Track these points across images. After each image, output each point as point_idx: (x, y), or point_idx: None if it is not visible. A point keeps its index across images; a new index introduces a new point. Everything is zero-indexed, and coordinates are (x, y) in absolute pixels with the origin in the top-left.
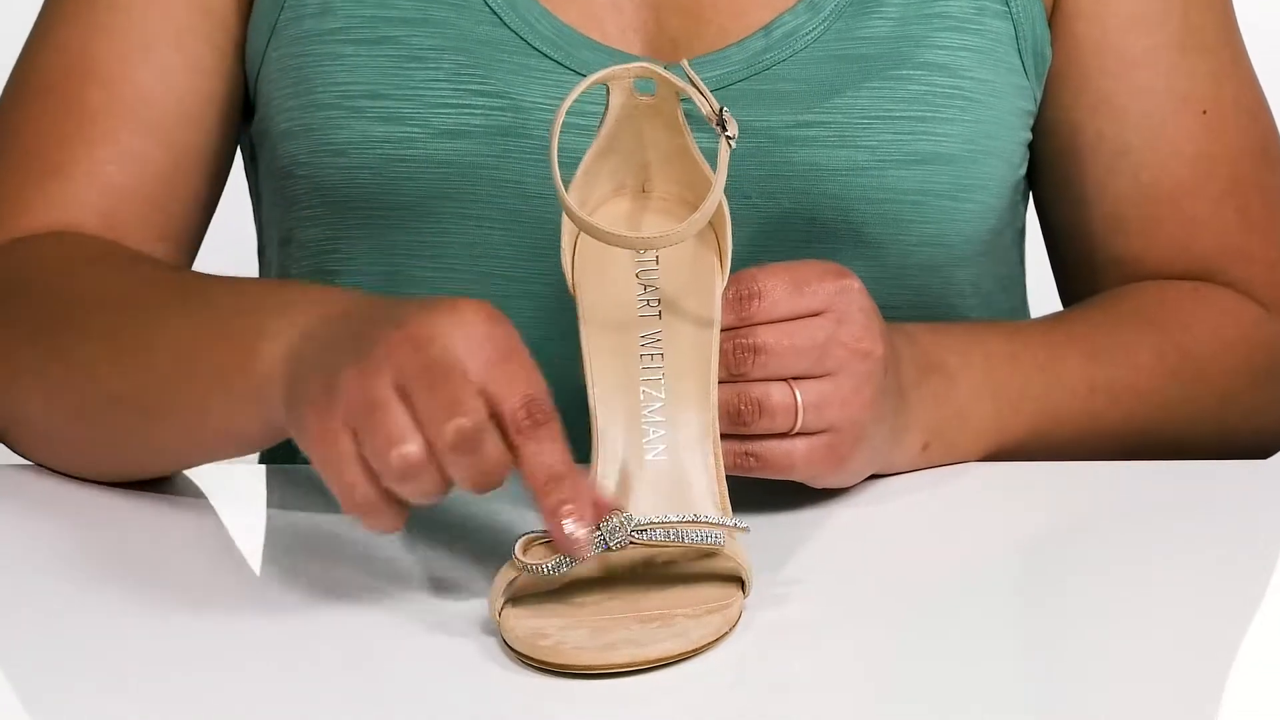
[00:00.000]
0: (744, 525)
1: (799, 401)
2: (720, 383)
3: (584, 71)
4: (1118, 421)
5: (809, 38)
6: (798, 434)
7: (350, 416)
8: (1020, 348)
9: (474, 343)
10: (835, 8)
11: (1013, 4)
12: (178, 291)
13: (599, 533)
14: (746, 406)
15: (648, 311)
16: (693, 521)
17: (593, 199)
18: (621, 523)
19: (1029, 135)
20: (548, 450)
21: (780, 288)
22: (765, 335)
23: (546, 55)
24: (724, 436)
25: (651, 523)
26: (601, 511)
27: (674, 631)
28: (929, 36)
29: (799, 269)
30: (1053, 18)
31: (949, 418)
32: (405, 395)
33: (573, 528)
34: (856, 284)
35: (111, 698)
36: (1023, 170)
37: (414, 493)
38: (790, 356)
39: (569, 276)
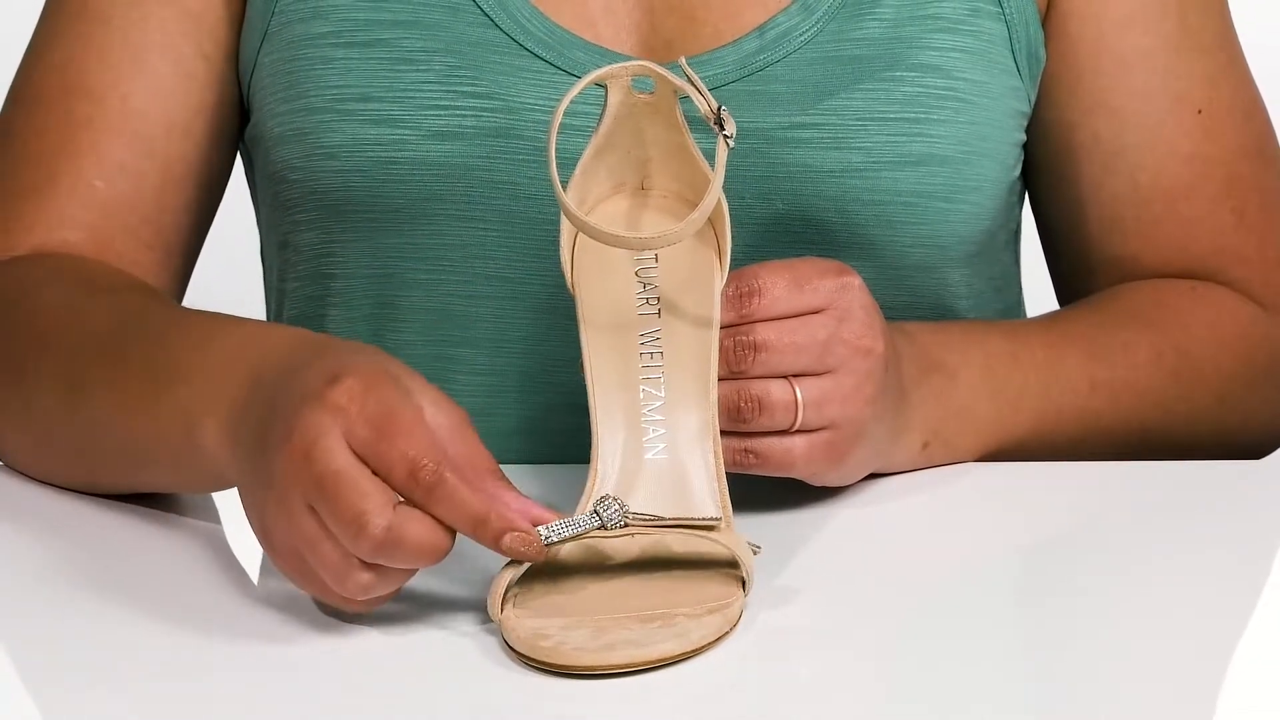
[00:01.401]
0: (757, 546)
1: (799, 398)
2: (720, 380)
3: (577, 73)
4: (1117, 420)
5: (802, 39)
6: (797, 431)
7: (297, 550)
8: (1020, 346)
9: (352, 428)
10: (829, 9)
11: (1006, 5)
12: (121, 349)
13: (594, 514)
14: (746, 403)
15: (647, 310)
16: (694, 523)
17: (591, 197)
18: (619, 505)
19: (1023, 136)
20: (455, 506)
21: (781, 285)
22: (765, 332)
23: (539, 56)
24: (723, 433)
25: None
26: (529, 515)
27: (674, 632)
28: (922, 38)
29: (799, 266)
30: (1047, 18)
31: (949, 417)
32: (319, 518)
33: (521, 545)
34: (857, 281)
35: (112, 700)
36: (1017, 171)
37: (388, 588)
38: (790, 353)
39: (568, 275)
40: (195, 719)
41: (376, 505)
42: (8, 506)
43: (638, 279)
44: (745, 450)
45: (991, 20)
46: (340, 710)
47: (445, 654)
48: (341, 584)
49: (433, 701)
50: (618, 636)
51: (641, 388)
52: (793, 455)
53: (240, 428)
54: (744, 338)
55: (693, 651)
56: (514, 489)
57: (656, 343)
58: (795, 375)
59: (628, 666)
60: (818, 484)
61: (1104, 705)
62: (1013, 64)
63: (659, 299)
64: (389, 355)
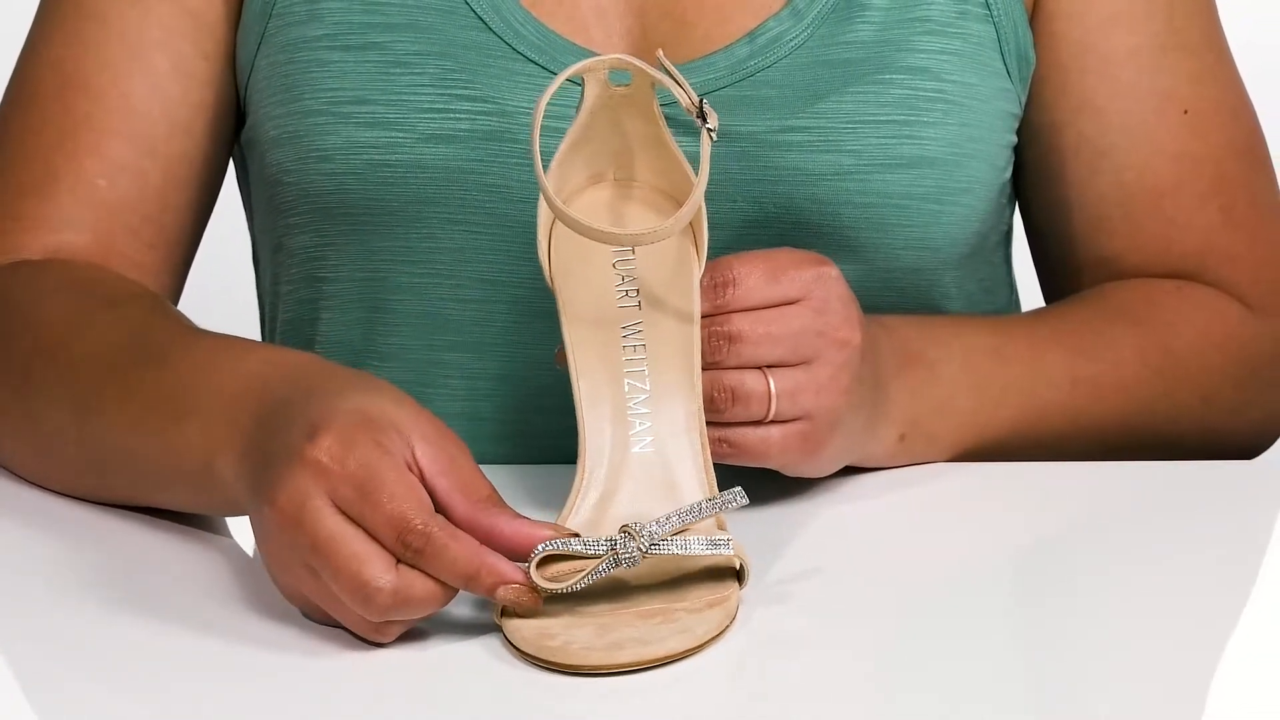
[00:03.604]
0: (742, 499)
1: (772, 389)
2: None
3: None
4: (1100, 417)
5: (793, 44)
6: (772, 421)
7: (306, 597)
8: (1003, 341)
9: (335, 489)
10: (819, 14)
11: (994, 7)
12: (129, 370)
13: (611, 550)
14: (720, 394)
15: (627, 303)
16: (698, 517)
17: (567, 189)
18: (633, 540)
19: (1014, 138)
20: (445, 565)
21: (755, 275)
22: (740, 323)
23: (532, 60)
24: None
25: (660, 535)
26: (531, 540)
27: (678, 628)
28: (911, 40)
29: (775, 256)
30: (1034, 19)
31: (928, 410)
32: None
33: (515, 595)
34: (834, 271)
35: (113, 700)
36: (1008, 173)
37: (407, 626)
38: (765, 344)
39: (546, 269)
40: (195, 719)
41: (377, 571)
42: (8, 507)
43: (615, 271)
44: (721, 440)
45: (979, 22)
46: (345, 711)
47: (450, 654)
48: (376, 637)
49: (439, 701)
50: (623, 635)
51: (626, 381)
52: (767, 445)
53: (244, 464)
54: (719, 328)
55: (698, 647)
56: (511, 513)
57: (639, 335)
58: (771, 366)
59: (635, 665)
60: (792, 474)
61: (1101, 705)
62: (1002, 65)
63: (638, 291)
64: (377, 389)
